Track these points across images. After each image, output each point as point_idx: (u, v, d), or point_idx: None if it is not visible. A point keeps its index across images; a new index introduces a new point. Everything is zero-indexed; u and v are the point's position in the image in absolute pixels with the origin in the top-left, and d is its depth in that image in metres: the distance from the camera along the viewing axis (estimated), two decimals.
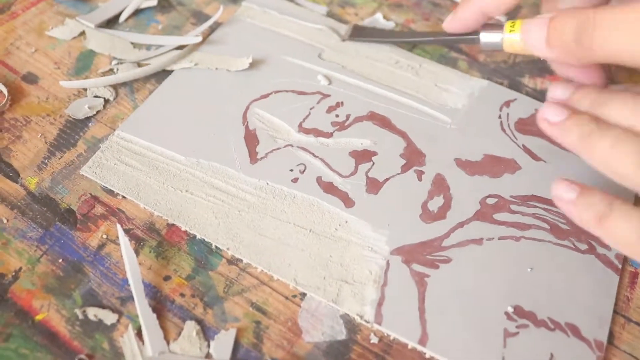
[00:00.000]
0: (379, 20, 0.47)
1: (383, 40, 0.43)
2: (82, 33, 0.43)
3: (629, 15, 0.26)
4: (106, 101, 0.39)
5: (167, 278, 0.32)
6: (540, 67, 0.44)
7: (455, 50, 0.45)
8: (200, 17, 0.46)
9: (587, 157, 0.29)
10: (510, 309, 0.31)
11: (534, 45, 0.31)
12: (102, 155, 0.36)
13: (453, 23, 0.36)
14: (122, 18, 0.45)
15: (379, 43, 0.43)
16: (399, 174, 0.36)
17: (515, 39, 0.32)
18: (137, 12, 0.46)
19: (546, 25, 0.30)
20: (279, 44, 0.44)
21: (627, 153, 0.27)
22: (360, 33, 0.44)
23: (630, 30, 0.26)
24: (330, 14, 0.47)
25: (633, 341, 0.31)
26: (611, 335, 0.31)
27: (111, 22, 0.45)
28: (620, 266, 0.33)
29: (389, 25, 0.46)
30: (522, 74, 0.44)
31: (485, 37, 0.35)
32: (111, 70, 0.41)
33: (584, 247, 0.33)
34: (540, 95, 0.42)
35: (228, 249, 0.32)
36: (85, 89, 0.40)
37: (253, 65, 0.41)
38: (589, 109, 0.30)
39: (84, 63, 0.42)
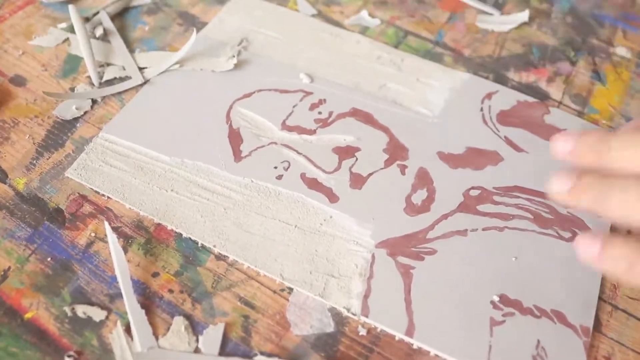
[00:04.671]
0: (364, 17, 0.47)
1: None
2: (67, 40, 0.44)
3: None
4: (93, 102, 0.39)
5: (155, 274, 0.32)
6: (525, 61, 0.45)
7: (441, 45, 0.45)
8: (186, 17, 0.46)
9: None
10: (496, 298, 0.31)
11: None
12: (86, 157, 0.36)
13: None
14: (97, 33, 0.44)
15: None
16: (382, 168, 0.37)
17: None
18: (125, 13, 0.46)
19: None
20: (261, 43, 0.44)
21: None
22: None
23: None
24: (315, 14, 0.47)
25: (620, 328, 0.31)
26: (599, 323, 0.31)
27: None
28: None
29: (375, 22, 0.47)
30: (507, 67, 0.44)
31: None
32: (99, 73, 0.41)
33: (567, 235, 0.34)
34: (525, 89, 0.42)
35: (214, 246, 0.33)
36: (73, 90, 0.40)
37: (236, 64, 0.42)
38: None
39: (72, 65, 0.42)
